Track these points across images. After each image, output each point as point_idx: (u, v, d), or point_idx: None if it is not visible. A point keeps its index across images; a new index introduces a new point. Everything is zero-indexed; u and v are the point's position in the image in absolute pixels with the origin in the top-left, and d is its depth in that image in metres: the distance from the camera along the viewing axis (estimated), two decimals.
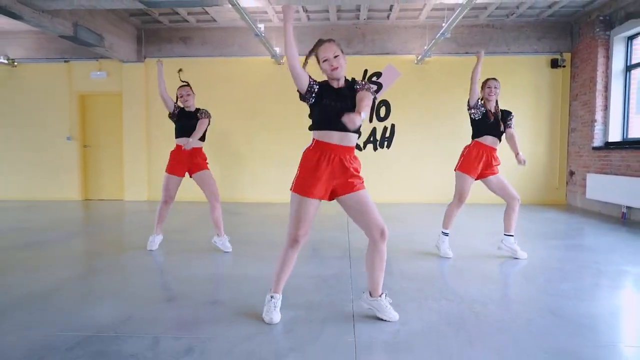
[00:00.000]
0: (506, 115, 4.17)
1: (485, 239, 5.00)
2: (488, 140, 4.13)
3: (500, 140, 4.19)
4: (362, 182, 2.60)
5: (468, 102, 4.13)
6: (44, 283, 3.36)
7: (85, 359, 2.13)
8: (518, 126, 8.19)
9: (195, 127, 4.32)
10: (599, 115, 7.36)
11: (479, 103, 4.12)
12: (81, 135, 8.99)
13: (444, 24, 6.42)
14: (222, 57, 8.63)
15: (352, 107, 2.45)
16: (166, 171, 4.44)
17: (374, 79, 8.43)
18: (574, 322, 2.60)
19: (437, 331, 2.46)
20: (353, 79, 2.65)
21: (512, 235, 4.21)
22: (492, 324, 2.57)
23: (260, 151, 8.69)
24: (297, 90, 2.54)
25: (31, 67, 8.91)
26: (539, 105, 8.32)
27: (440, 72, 8.37)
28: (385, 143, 8.55)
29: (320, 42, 2.56)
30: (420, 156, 8.48)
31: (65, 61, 8.85)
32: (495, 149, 4.17)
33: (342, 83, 2.59)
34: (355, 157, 2.62)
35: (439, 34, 6.67)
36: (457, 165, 4.22)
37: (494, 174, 4.16)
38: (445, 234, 4.28)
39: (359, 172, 2.60)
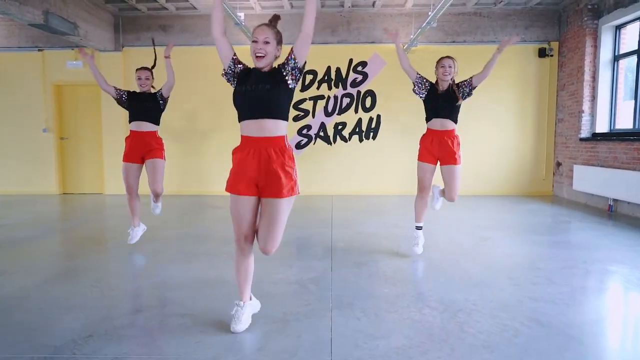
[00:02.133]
0: (462, 87, 3.89)
1: (471, 232, 4.90)
2: (436, 123, 3.93)
3: (454, 121, 3.92)
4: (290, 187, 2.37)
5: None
6: (10, 289, 3.17)
7: None
8: (504, 117, 8.14)
9: (151, 109, 4.23)
10: (586, 106, 7.27)
11: (424, 82, 3.93)
12: (58, 127, 8.67)
13: (430, 13, 6.22)
14: (202, 46, 8.35)
15: (270, 91, 2.31)
16: (123, 160, 4.29)
17: (360, 68, 8.23)
18: (561, 333, 2.49)
19: (418, 346, 2.33)
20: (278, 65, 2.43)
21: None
22: (476, 337, 2.45)
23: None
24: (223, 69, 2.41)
25: (1, 56, 8.53)
26: (526, 95, 8.21)
27: (427, 61, 8.12)
28: (371, 134, 8.39)
29: (258, 25, 2.38)
30: (405, 147, 8.33)
31: (38, 50, 8.49)
32: (448, 131, 3.91)
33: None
34: (283, 149, 2.38)
35: (424, 23, 6.48)
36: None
37: (451, 164, 3.91)
38: (418, 228, 4.11)
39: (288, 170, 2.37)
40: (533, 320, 2.66)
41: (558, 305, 2.90)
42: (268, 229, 2.35)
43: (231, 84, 2.45)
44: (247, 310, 2.54)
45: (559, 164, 8.08)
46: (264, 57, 2.33)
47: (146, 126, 4.28)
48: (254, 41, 2.34)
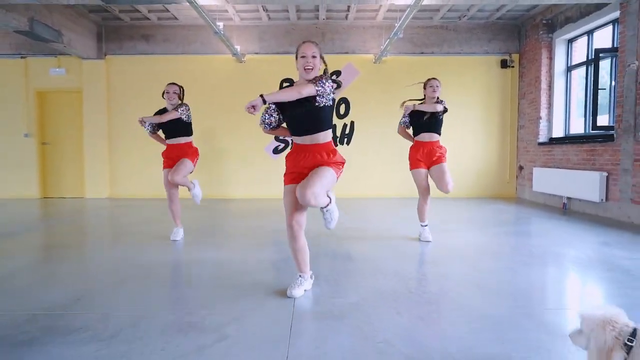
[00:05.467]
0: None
1: (435, 226, 5.28)
2: (425, 137, 4.42)
3: (439, 133, 4.45)
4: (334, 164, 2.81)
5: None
6: (3, 270, 3.41)
7: (33, 334, 2.23)
8: (470, 124, 8.66)
9: (179, 125, 4.52)
10: (543, 113, 7.83)
11: (405, 117, 4.46)
12: (39, 132, 8.85)
13: (396, 25, 6.70)
14: (184, 55, 8.69)
15: (306, 110, 2.68)
16: (163, 168, 4.63)
17: (334, 77, 8.64)
18: (496, 294, 2.87)
19: (370, 303, 2.68)
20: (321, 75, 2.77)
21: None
22: (421, 296, 2.82)
23: (221, 149, 8.78)
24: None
25: None
26: (490, 104, 8.75)
27: (397, 70, 8.68)
28: (346, 140, 8.81)
29: (303, 42, 2.77)
30: (378, 152, 8.76)
31: (21, 57, 8.70)
32: (433, 142, 4.43)
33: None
34: (332, 151, 2.83)
35: (392, 34, 6.95)
36: (409, 166, 4.54)
37: (438, 163, 4.42)
38: (423, 226, 4.56)
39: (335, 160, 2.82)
40: (473, 284, 3.04)
41: (498, 275, 3.30)
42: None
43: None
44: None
45: (521, 168, 8.61)
46: (312, 69, 2.69)
47: (179, 140, 4.61)
48: (302, 56, 2.69)
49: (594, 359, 1.53)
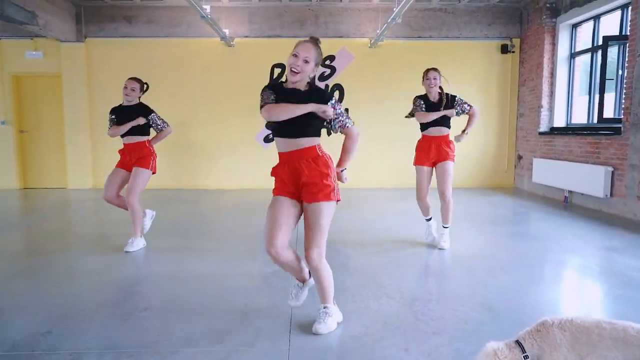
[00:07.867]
0: (452, 100, 4.12)
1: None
2: (432, 131, 4.15)
3: (448, 127, 4.18)
4: (325, 190, 2.42)
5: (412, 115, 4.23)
6: None
7: None
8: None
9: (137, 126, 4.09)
10: (545, 101, 7.55)
11: (420, 103, 4.14)
12: (17, 119, 8.39)
13: (395, 9, 6.32)
14: (169, 38, 8.23)
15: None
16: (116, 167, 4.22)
17: (327, 62, 8.28)
18: (509, 318, 2.64)
19: (373, 335, 2.42)
20: (323, 90, 2.51)
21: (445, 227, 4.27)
22: (428, 324, 2.57)
23: (209, 136, 8.42)
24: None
25: None
26: (489, 90, 8.45)
27: (394, 55, 8.31)
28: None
29: (305, 40, 2.37)
30: (373, 140, 8.46)
31: None
32: (443, 137, 4.17)
33: (302, 87, 2.40)
34: (315, 159, 2.48)
35: (390, 18, 6.57)
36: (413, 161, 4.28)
37: (444, 160, 4.16)
38: (428, 220, 4.34)
39: (320, 177, 2.44)
40: (483, 306, 2.80)
41: (508, 293, 3.06)
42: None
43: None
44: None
45: (520, 157, 8.37)
46: (298, 73, 2.32)
47: (136, 138, 4.15)
48: (294, 55, 2.31)
49: None
